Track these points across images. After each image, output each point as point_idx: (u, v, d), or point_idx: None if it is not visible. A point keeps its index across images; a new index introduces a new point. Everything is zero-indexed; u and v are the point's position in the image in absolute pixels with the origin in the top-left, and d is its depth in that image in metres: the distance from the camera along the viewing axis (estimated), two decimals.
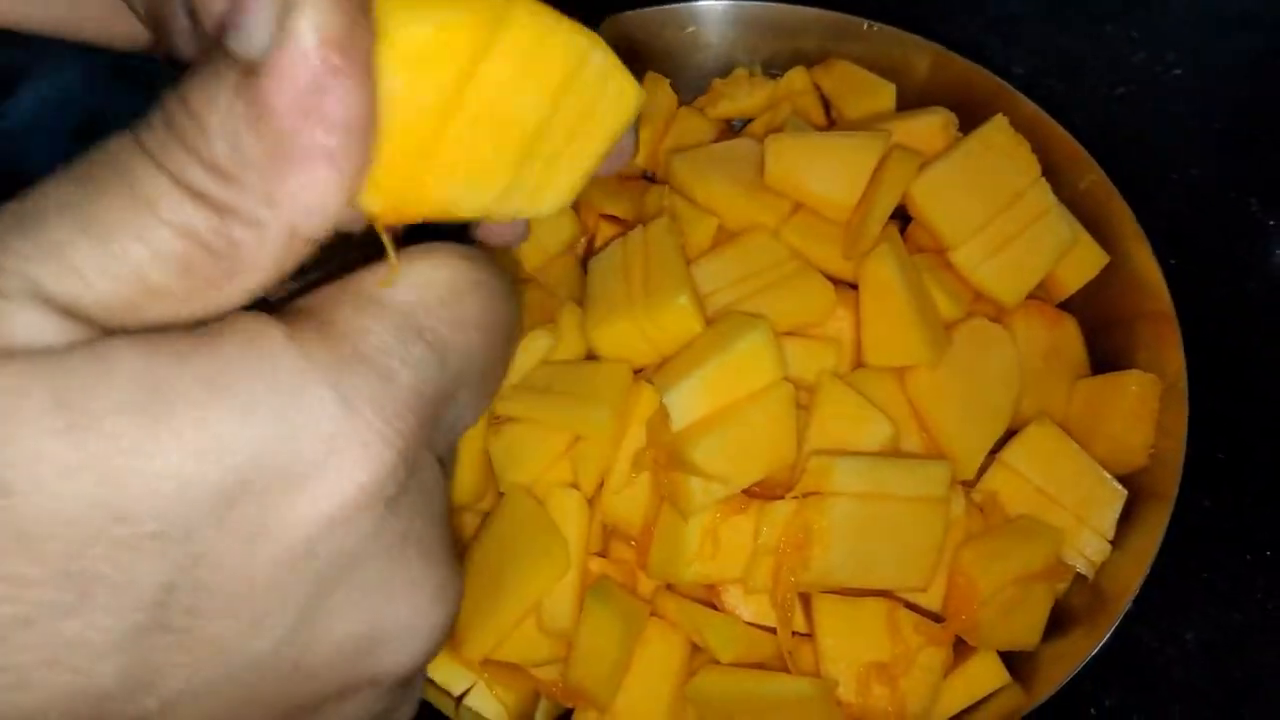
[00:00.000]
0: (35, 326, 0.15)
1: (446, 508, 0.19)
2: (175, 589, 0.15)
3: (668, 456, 0.42)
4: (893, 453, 0.44)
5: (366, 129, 0.17)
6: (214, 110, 0.16)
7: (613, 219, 0.53)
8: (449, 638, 0.19)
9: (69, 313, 0.16)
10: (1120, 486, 0.46)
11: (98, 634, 0.15)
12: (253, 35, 0.16)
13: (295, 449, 0.16)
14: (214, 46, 0.16)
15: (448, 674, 0.43)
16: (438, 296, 0.18)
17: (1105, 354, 0.50)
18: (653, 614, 0.44)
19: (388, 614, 0.17)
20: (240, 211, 0.16)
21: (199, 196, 0.16)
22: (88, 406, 0.15)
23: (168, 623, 0.15)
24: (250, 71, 0.16)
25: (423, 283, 0.18)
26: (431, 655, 0.19)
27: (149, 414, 0.15)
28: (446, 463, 0.20)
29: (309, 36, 0.16)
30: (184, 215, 0.16)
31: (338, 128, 0.16)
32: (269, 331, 0.16)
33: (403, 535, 0.17)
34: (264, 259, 0.17)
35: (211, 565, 0.15)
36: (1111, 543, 0.45)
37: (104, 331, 0.16)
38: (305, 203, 0.16)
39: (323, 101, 0.16)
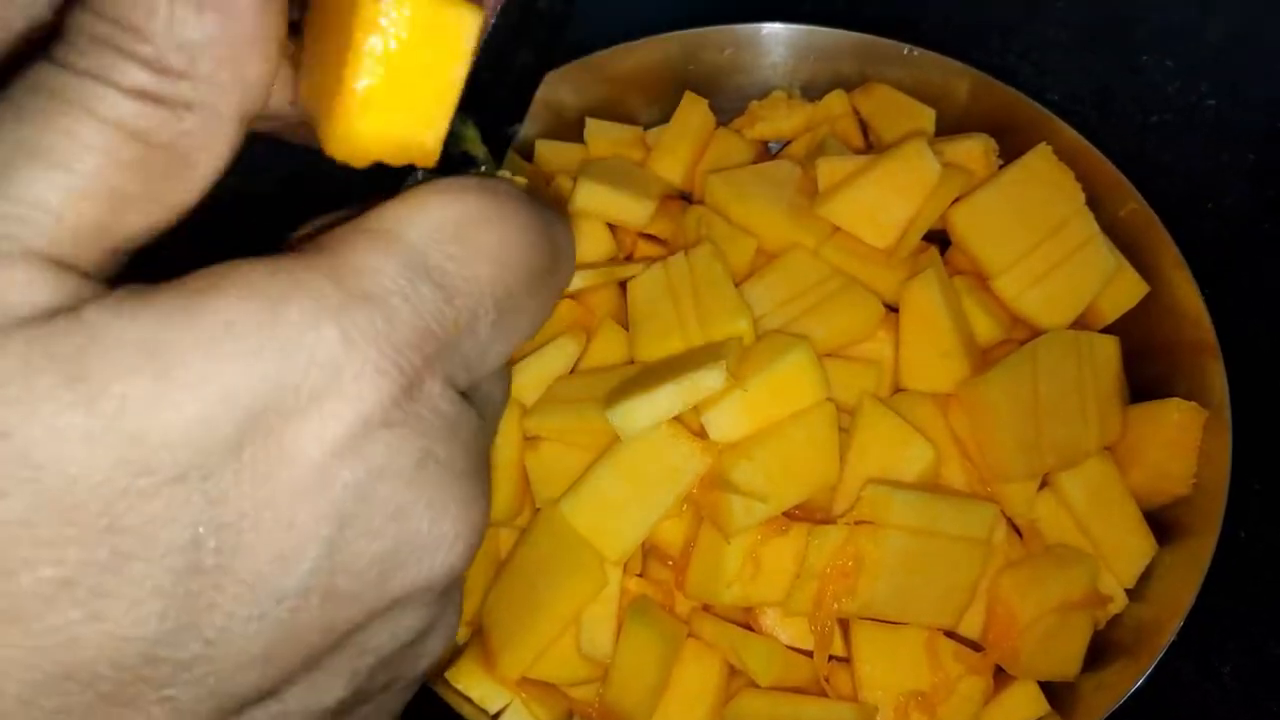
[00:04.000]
0: (30, 287, 0.16)
1: (481, 434, 0.19)
2: (202, 532, 0.16)
3: (709, 476, 0.42)
4: (933, 479, 0.44)
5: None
6: (154, 16, 0.17)
7: (650, 238, 0.53)
8: (478, 544, 0.20)
9: (58, 264, 0.16)
10: (1154, 541, 0.45)
11: (135, 584, 0.16)
12: None
13: (299, 385, 0.16)
14: None
15: (484, 692, 0.42)
16: (448, 233, 0.18)
17: (1145, 382, 0.49)
18: (690, 635, 0.44)
19: (410, 532, 0.18)
20: (193, 102, 0.17)
21: (144, 96, 0.17)
22: (94, 375, 0.15)
23: (199, 565, 0.16)
24: None
25: (435, 220, 0.18)
26: (462, 568, 0.19)
27: (153, 373, 0.16)
28: (489, 392, 0.21)
29: None
30: (131, 117, 0.17)
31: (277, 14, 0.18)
32: (268, 278, 0.17)
33: (420, 458, 0.18)
34: (219, 144, 0.18)
35: (233, 504, 0.16)
36: (1129, 592, 0.45)
37: (90, 280, 0.17)
38: (252, 81, 0.18)
39: None
